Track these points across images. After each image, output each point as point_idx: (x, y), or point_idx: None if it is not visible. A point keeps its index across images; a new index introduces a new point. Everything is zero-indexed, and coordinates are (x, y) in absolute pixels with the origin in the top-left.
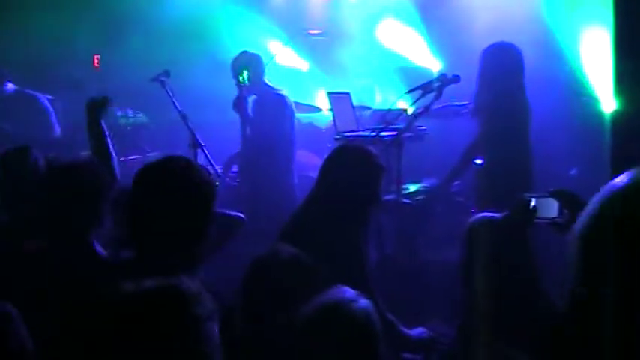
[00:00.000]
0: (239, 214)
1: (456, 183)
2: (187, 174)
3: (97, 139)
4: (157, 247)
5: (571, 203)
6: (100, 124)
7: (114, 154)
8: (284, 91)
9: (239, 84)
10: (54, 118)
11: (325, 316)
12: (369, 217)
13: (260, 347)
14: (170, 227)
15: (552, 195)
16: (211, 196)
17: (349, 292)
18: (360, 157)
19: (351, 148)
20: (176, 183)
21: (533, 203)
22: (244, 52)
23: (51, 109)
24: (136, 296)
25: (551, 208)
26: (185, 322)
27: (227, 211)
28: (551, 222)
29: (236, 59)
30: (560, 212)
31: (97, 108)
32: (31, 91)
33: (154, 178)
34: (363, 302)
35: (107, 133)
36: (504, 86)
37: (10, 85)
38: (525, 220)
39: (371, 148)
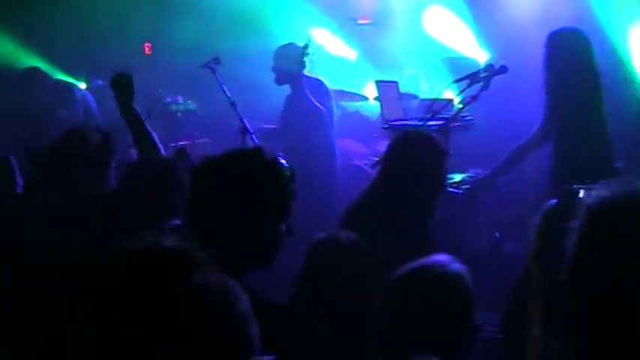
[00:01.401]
0: None
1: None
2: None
3: (133, 125)
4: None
5: None
6: (133, 108)
7: (158, 143)
8: (321, 77)
9: (299, 66)
10: (94, 108)
11: (416, 278)
12: (435, 203)
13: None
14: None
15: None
16: (291, 192)
17: (443, 256)
18: (425, 143)
19: (416, 134)
20: (258, 176)
21: (581, 194)
22: (293, 43)
23: (87, 97)
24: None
25: None
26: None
27: None
28: None
29: (288, 46)
30: None
31: (122, 87)
32: (68, 82)
33: (230, 170)
34: (457, 266)
35: (143, 118)
36: (573, 73)
37: (47, 81)
38: (572, 210)
39: (434, 134)
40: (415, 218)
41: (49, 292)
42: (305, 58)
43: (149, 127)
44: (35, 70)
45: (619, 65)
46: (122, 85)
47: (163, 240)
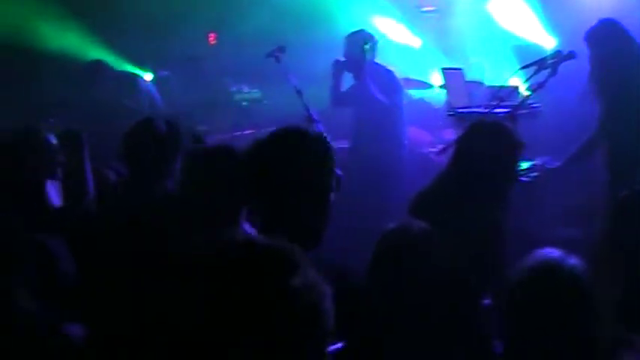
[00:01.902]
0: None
1: None
2: (308, 145)
3: None
4: (280, 222)
5: None
6: None
7: None
8: (392, 68)
9: (362, 55)
10: (158, 98)
11: (540, 277)
12: (507, 194)
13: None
14: (293, 199)
15: None
16: (332, 165)
17: (556, 252)
18: (499, 133)
19: (490, 123)
20: (297, 154)
21: None
22: (362, 30)
23: (151, 88)
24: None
25: None
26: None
27: None
28: None
29: (355, 34)
30: None
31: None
32: (133, 72)
33: (274, 150)
34: (573, 261)
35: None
36: (619, 64)
37: (111, 73)
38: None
39: (508, 124)
40: (486, 208)
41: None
42: (368, 47)
43: None
44: (99, 63)
45: None
46: None
47: (261, 239)
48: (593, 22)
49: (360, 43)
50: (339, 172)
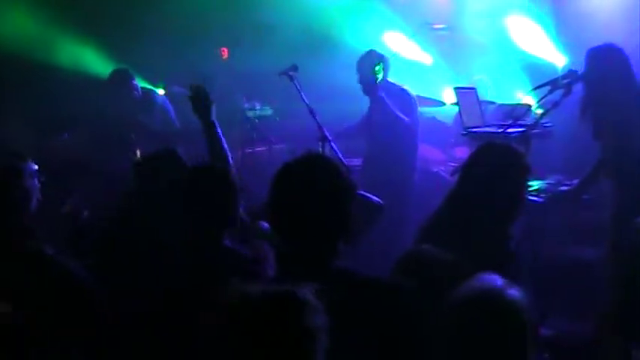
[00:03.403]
0: (378, 199)
1: None
2: (329, 169)
3: (211, 139)
4: (305, 243)
5: None
6: (213, 123)
7: (228, 155)
8: (406, 87)
9: (373, 76)
10: (172, 114)
11: (477, 305)
12: (516, 216)
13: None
14: (316, 223)
15: None
16: (353, 189)
17: (499, 280)
18: (507, 156)
19: (498, 146)
20: (321, 178)
21: None
22: (373, 51)
23: (166, 104)
24: (250, 301)
25: None
26: (295, 333)
27: (367, 194)
28: None
29: (365, 56)
30: None
31: (201, 103)
32: (149, 88)
33: (298, 175)
34: (513, 291)
35: (221, 132)
36: (611, 89)
37: (135, 84)
38: None
39: (517, 146)
40: (495, 231)
41: None
42: (378, 67)
43: (224, 143)
44: (126, 72)
45: None
46: (200, 99)
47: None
48: (605, 39)
49: (371, 64)
50: (380, 201)
